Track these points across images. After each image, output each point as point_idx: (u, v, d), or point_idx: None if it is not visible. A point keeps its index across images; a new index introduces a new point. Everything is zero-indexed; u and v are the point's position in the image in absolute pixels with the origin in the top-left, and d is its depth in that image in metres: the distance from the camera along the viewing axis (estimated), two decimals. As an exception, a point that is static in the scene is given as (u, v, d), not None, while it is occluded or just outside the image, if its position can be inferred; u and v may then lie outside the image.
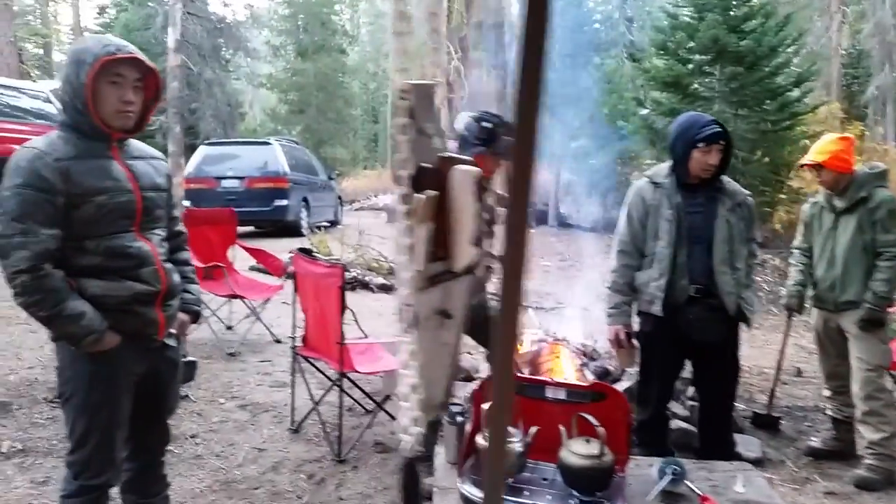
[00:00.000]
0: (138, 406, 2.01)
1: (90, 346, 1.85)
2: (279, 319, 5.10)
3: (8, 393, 3.54)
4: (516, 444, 2.17)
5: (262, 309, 4.96)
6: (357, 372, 3.29)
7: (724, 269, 2.78)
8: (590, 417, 2.20)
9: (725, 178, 2.89)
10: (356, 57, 33.19)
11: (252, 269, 6.43)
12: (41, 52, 29.63)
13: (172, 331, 2.08)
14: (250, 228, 10.74)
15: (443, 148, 0.88)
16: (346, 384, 3.33)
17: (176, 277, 2.05)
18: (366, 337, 3.83)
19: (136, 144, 2.03)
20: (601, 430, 2.16)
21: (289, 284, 5.45)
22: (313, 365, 3.55)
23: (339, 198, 14.38)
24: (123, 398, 1.96)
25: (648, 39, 11.84)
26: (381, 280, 7.13)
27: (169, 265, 2.03)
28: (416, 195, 0.80)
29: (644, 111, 10.82)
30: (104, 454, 1.94)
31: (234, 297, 4.83)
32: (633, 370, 3.38)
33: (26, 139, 6.04)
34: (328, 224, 12.64)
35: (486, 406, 2.27)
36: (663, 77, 10.02)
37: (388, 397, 3.33)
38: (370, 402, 3.60)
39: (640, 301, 2.97)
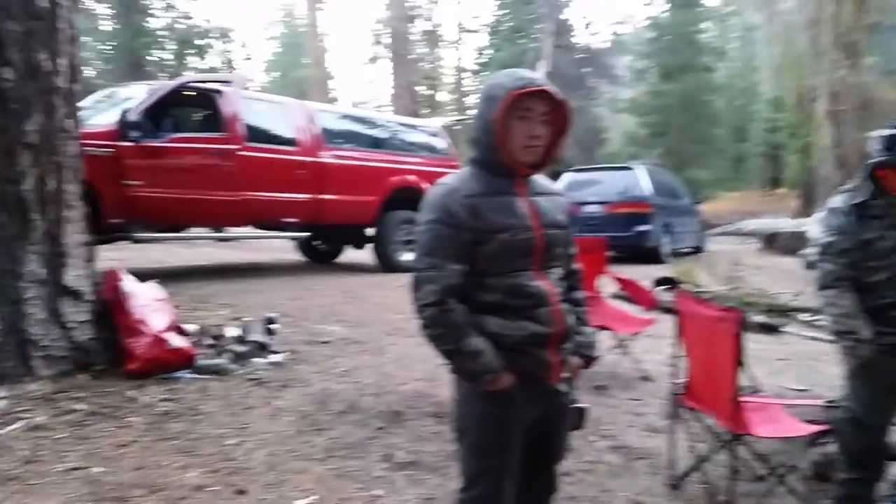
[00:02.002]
0: (526, 452, 1.93)
1: (486, 384, 1.81)
2: (647, 355, 4.80)
3: (400, 403, 3.85)
4: None
5: (630, 342, 4.72)
6: (753, 436, 2.84)
7: None
8: None
9: None
10: (724, 73, 31.31)
11: (614, 296, 6.26)
12: (428, 91, 33.78)
13: (565, 375, 1.95)
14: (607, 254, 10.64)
15: None
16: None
17: (571, 319, 1.92)
18: (759, 391, 3.32)
19: (538, 180, 1.97)
20: None
21: (661, 319, 5.17)
22: (696, 415, 3.19)
23: (704, 223, 13.53)
24: (514, 443, 1.89)
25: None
26: (759, 318, 6.34)
27: (565, 306, 1.91)
28: None
29: None
30: (492, 499, 1.89)
31: (602, 328, 4.68)
32: None
33: (416, 171, 6.85)
34: (690, 251, 11.94)
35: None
36: None
37: (791, 468, 2.81)
38: (763, 465, 3.09)
39: None
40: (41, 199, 3.66)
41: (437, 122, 11.66)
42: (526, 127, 1.82)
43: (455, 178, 1.90)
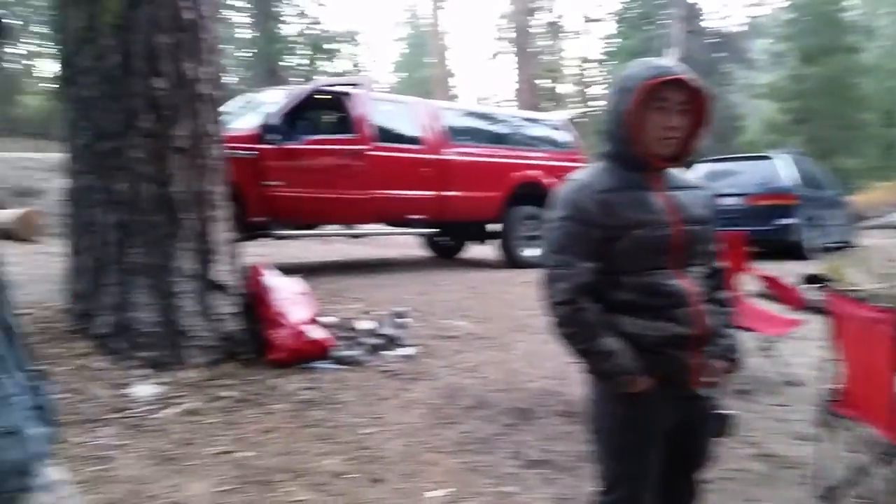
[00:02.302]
0: (667, 458, 1.85)
1: (620, 386, 1.76)
2: (794, 358, 4.49)
3: (529, 400, 3.82)
4: None
5: (776, 344, 4.43)
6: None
7: None
8: None
9: None
10: (872, 54, 28.78)
11: (757, 295, 5.90)
12: (550, 83, 33.30)
13: (707, 379, 1.85)
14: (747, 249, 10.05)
15: None
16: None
17: (714, 320, 1.82)
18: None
19: (676, 173, 1.88)
20: None
21: (809, 320, 4.82)
22: (851, 423, 2.94)
23: (852, 215, 12.50)
24: (653, 447, 1.82)
25: None
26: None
27: (707, 306, 1.81)
28: None
29: None
30: None
31: (745, 329, 4.41)
32: None
33: (540, 165, 6.79)
34: (839, 246, 11.07)
35: None
36: None
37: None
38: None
39: None
40: (190, 200, 3.93)
41: (561, 116, 11.49)
42: (662, 118, 1.74)
43: (587, 173, 1.85)
